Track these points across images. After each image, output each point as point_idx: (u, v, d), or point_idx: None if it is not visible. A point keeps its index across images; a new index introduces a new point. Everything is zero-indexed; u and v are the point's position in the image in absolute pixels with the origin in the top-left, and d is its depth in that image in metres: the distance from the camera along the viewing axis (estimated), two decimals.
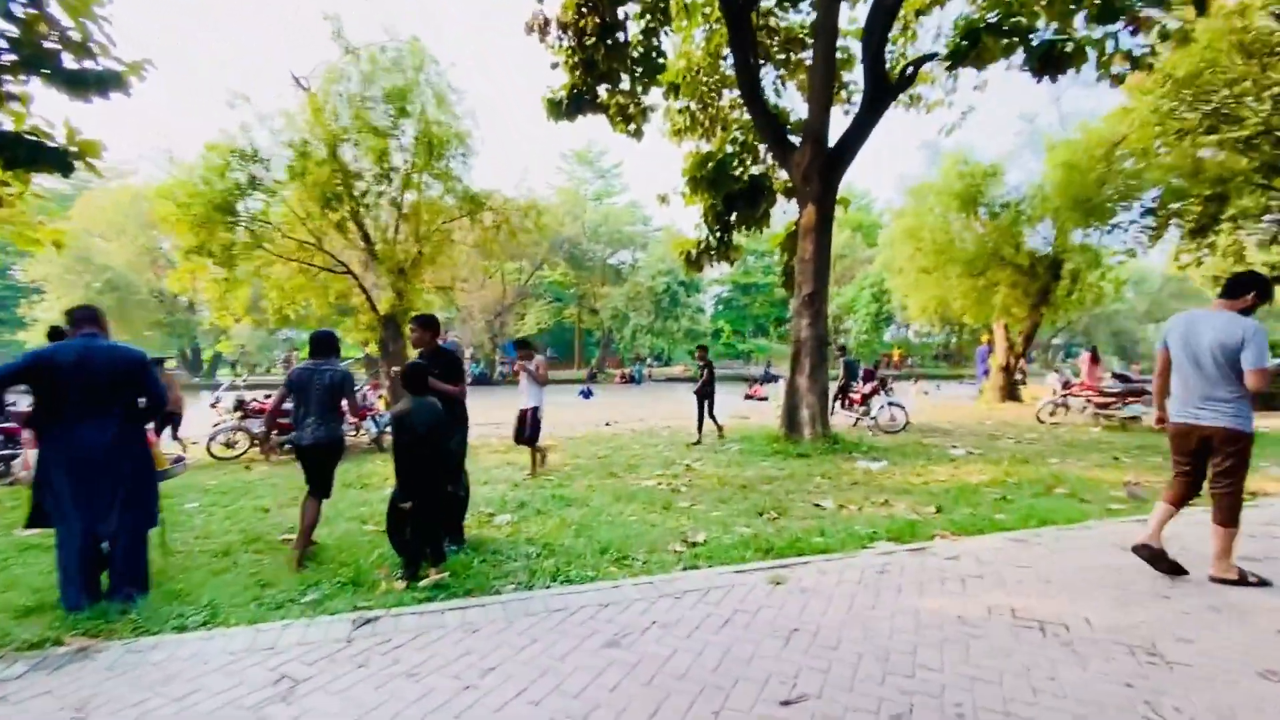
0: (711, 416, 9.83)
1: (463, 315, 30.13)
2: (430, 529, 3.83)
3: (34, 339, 22.73)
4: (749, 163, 10.49)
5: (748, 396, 22.10)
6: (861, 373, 12.26)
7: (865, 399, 11.54)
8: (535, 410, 7.14)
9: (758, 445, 9.01)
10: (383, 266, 11.21)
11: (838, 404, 12.58)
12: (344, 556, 4.18)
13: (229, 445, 8.92)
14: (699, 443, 9.48)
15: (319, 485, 4.18)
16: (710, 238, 11.19)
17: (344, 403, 4.24)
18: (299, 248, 10.40)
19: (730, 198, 10.64)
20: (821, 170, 9.11)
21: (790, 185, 10.95)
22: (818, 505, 5.57)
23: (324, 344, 4.32)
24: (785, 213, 12.07)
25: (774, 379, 34.37)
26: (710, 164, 10.10)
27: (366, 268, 11.63)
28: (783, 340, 55.89)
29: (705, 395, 9.77)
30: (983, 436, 10.18)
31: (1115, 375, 13.00)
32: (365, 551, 4.24)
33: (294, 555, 4.08)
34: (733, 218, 10.97)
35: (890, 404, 10.98)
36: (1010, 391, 15.25)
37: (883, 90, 8.79)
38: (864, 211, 48.96)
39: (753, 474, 7.08)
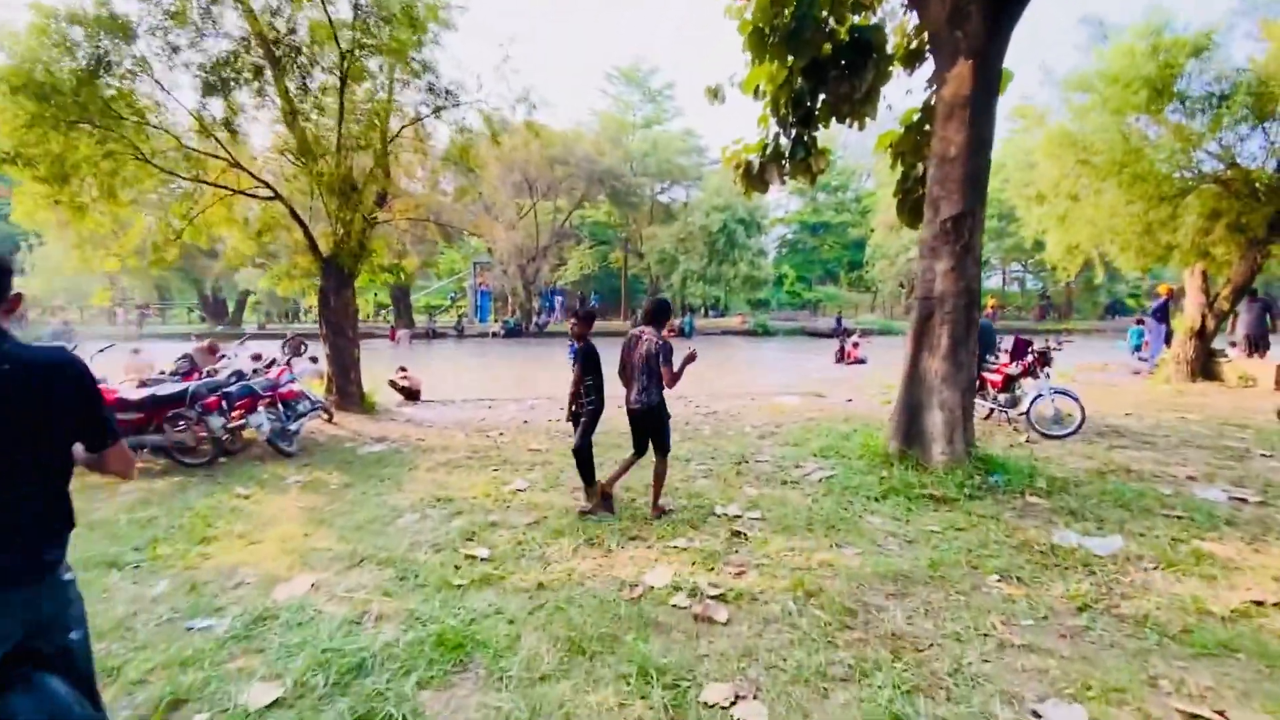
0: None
1: (498, 259, 27.25)
2: None
3: None
4: (847, 6, 6.56)
5: (841, 359, 18.04)
6: (1009, 342, 8.35)
7: (1009, 381, 7.75)
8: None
9: (855, 471, 5.57)
10: (322, 183, 8.10)
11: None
12: None
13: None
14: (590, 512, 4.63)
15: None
16: (781, 136, 7.41)
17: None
18: (189, 159, 7.38)
19: (815, 68, 6.79)
20: (985, 3, 5.19)
21: (914, 45, 6.94)
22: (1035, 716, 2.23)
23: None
24: (901, 95, 7.88)
25: (847, 333, 30.04)
26: (787, 9, 6.26)
27: (313, 196, 8.54)
28: (854, 287, 50.47)
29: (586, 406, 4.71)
30: (1218, 450, 6.31)
31: None
32: None
33: None
34: (818, 102, 7.12)
35: (1055, 391, 7.18)
36: (1202, 366, 10.88)
37: None
38: None
39: (854, 561, 3.71)
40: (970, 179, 5.42)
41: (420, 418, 8.69)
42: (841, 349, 18.14)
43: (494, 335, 27.44)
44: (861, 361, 17.66)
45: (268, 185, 8.09)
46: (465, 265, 38.61)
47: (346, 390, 8.35)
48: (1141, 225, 11.89)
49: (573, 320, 4.82)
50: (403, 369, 10.39)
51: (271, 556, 3.92)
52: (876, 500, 4.84)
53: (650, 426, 4.38)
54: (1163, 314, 13.94)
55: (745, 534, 4.19)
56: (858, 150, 54.96)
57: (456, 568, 3.70)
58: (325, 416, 7.81)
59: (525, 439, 7.25)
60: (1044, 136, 12.88)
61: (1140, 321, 17.01)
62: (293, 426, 6.77)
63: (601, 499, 4.55)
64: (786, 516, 4.51)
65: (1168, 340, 12.87)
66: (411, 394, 10.16)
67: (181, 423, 5.98)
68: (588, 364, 4.54)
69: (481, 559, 3.83)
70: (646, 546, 3.99)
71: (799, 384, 15.58)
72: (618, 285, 36.99)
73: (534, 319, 28.96)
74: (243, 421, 6.21)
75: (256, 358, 8.47)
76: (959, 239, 5.40)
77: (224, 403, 6.12)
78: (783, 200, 46.82)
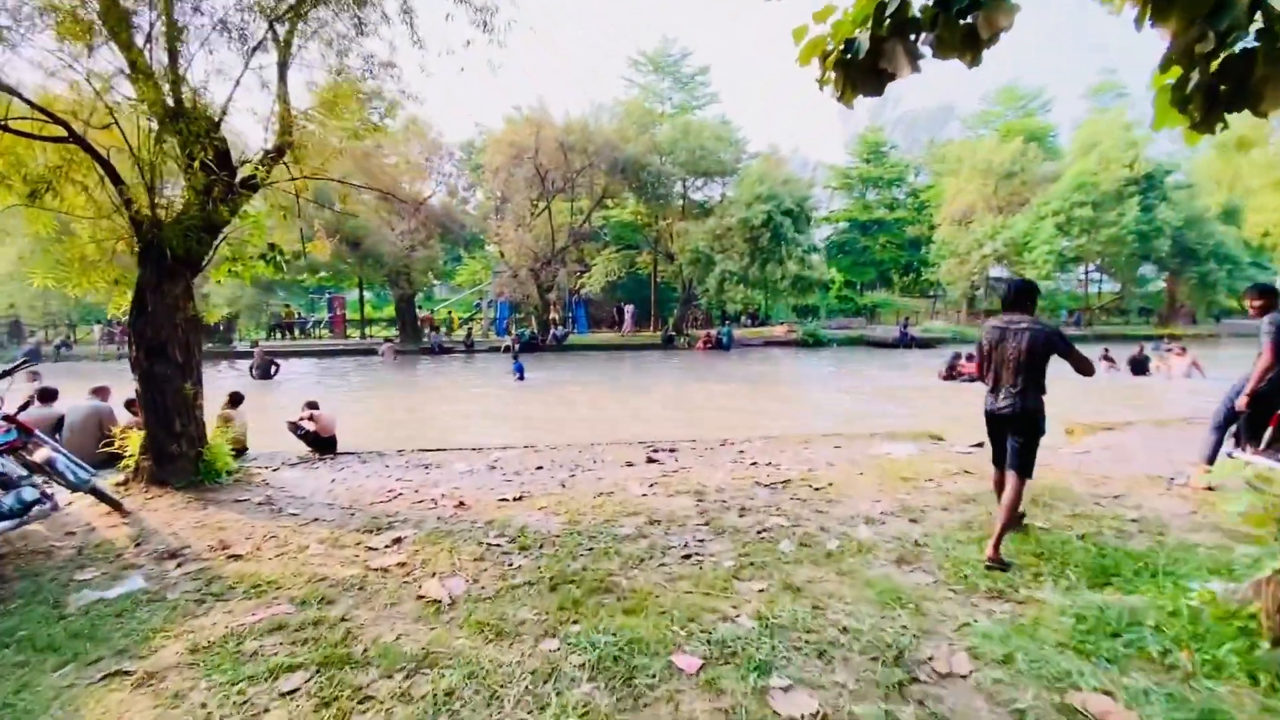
0: None
1: (507, 262, 24.16)
2: None
3: None
4: None
5: (951, 375, 14.12)
6: None
7: None
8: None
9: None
10: (149, 113, 4.92)
11: (1224, 436, 5.01)
12: None
13: None
14: None
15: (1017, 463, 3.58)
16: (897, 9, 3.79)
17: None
18: None
19: None
20: None
21: None
22: None
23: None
24: None
25: (911, 341, 25.80)
26: None
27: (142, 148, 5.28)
28: (908, 292, 45.69)
29: None
30: None
31: None
32: None
33: None
34: None
35: None
36: None
37: None
38: (1031, 116, 37.37)
39: None
40: None
41: (297, 490, 5.30)
42: (952, 366, 14.15)
43: (506, 350, 24.30)
44: (973, 379, 13.72)
45: (49, 115, 4.88)
46: (487, 276, 35.92)
47: (167, 451, 5.01)
48: None
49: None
50: (310, 405, 7.04)
51: None
52: None
53: (1020, 434, 3.64)
54: None
55: None
56: (907, 143, 50.56)
57: None
58: (111, 507, 4.47)
59: (441, 555, 3.77)
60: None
61: None
62: None
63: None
64: None
65: None
66: (321, 441, 6.81)
67: None
68: None
69: None
70: None
71: (883, 412, 11.75)
72: (647, 293, 33.52)
73: (551, 331, 25.68)
74: None
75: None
76: None
77: None
78: (824, 198, 42.75)
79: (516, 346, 24.68)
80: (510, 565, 3.59)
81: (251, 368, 16.42)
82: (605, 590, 3.22)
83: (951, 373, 14.01)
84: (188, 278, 5.26)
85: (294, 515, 4.64)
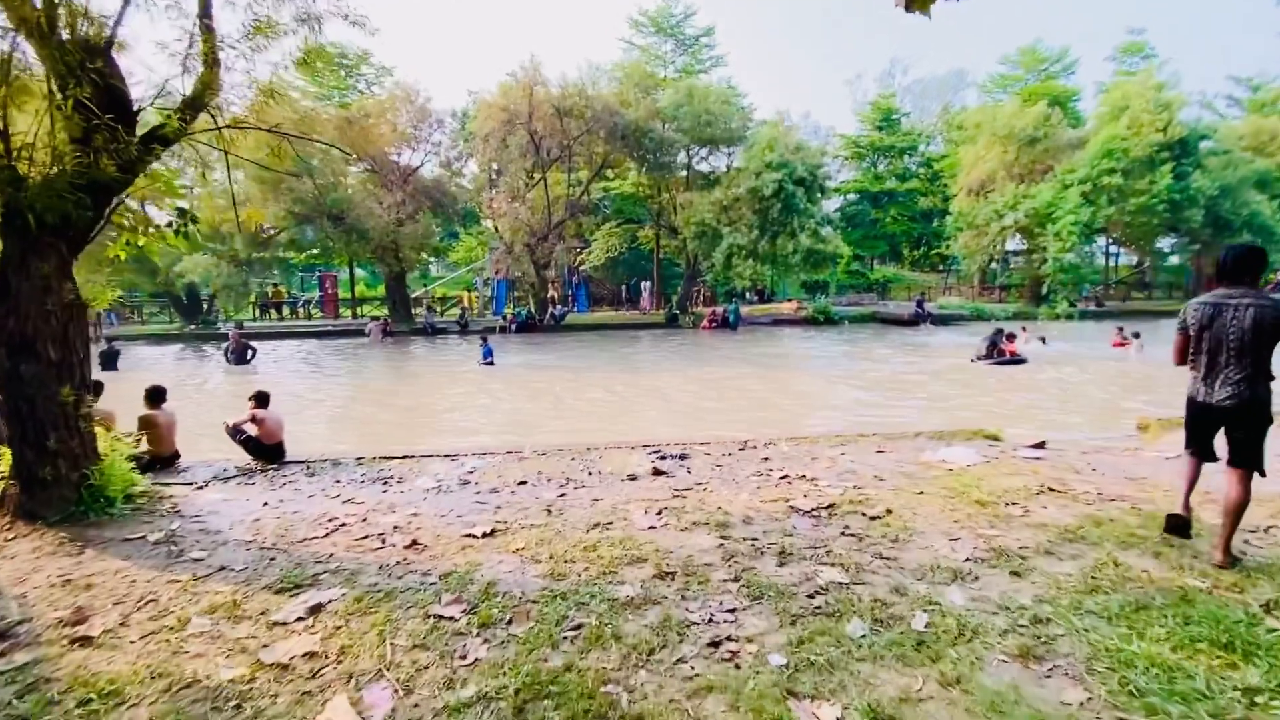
0: None
1: (500, 237, 22.86)
2: None
3: None
4: None
5: (990, 356, 12.96)
6: None
7: None
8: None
9: None
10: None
11: None
12: None
13: None
14: None
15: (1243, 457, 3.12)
16: None
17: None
18: None
19: None
20: None
21: None
22: None
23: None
24: None
25: (927, 318, 24.52)
26: None
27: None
28: (919, 268, 44.14)
29: None
30: None
31: None
32: None
33: None
34: None
35: None
36: None
37: None
38: (1052, 80, 35.48)
39: None
40: None
41: (214, 521, 4.21)
42: (993, 344, 12.94)
43: (501, 330, 23.15)
44: (1020, 361, 12.60)
45: None
46: (485, 253, 34.60)
47: (38, 476, 3.91)
48: None
49: None
50: (258, 400, 5.87)
51: None
52: None
53: (1244, 428, 3.16)
54: None
55: None
56: (918, 112, 48.49)
57: None
58: None
59: (369, 637, 2.69)
60: None
61: None
62: None
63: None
64: None
65: None
66: (264, 449, 5.70)
67: None
68: None
69: None
70: None
71: (915, 402, 10.52)
72: (649, 268, 32.17)
73: (549, 310, 24.47)
74: None
75: None
76: None
77: None
78: (833, 168, 41.02)
79: (512, 327, 23.54)
80: (463, 659, 2.51)
81: (226, 351, 15.28)
82: (598, 716, 2.13)
83: (991, 352, 12.79)
84: (63, 251, 4.10)
85: (195, 561, 3.56)
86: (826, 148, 34.01)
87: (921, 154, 41.09)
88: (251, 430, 5.71)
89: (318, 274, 33.17)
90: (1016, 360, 12.65)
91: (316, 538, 3.91)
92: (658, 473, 5.15)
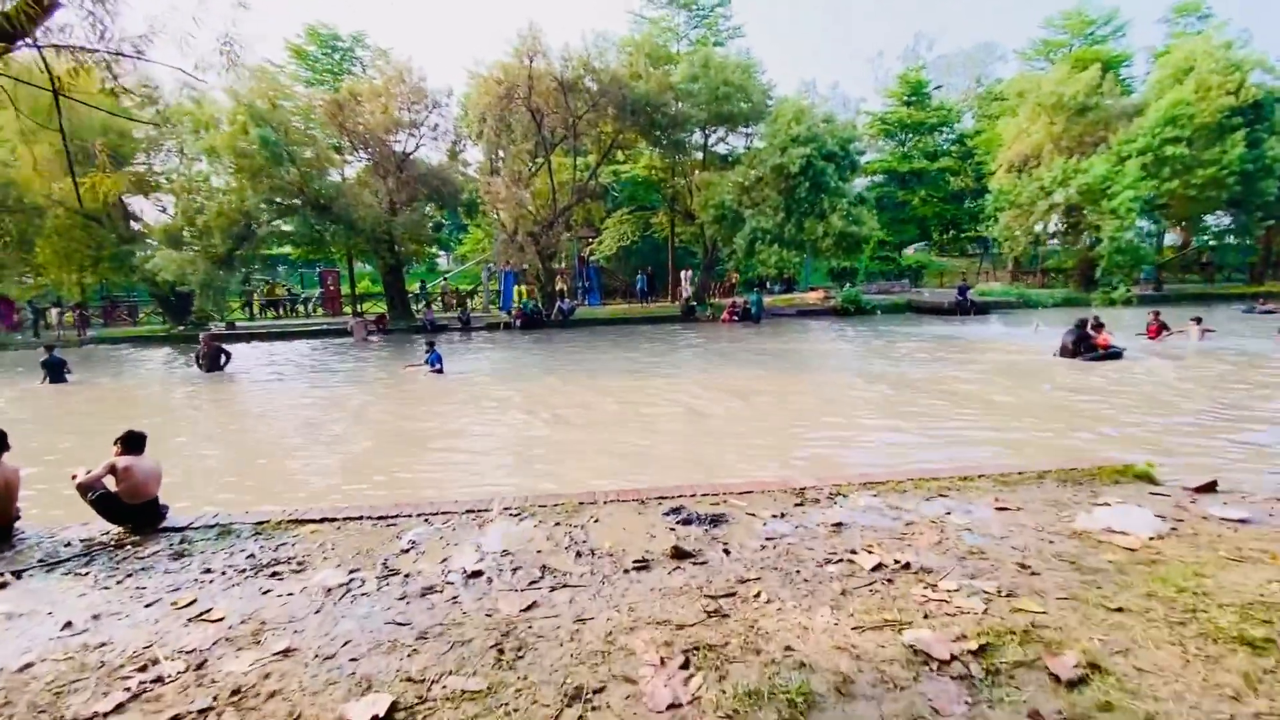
0: None
1: (502, 224, 21.19)
2: None
3: None
4: None
5: (1077, 352, 11.04)
6: None
7: None
8: None
9: None
10: None
11: None
12: None
13: None
14: None
15: None
16: None
17: None
18: None
19: None
20: None
21: None
22: None
23: None
24: None
25: (970, 306, 22.43)
26: None
27: None
28: (947, 251, 41.64)
29: None
30: None
31: None
32: None
33: None
34: None
35: None
36: None
37: None
38: (1100, 44, 32.73)
39: None
40: None
41: None
42: (1082, 336, 10.97)
43: (506, 326, 21.54)
44: (1115, 355, 10.63)
45: None
46: (491, 244, 33.00)
47: None
48: None
49: None
50: (126, 444, 4.25)
51: None
52: None
53: None
54: None
55: None
56: (947, 87, 45.69)
57: None
58: None
59: None
60: None
61: None
62: None
63: None
64: None
65: None
66: (127, 511, 4.09)
67: None
68: None
69: None
70: None
71: (992, 419, 8.38)
72: (663, 257, 30.30)
73: (557, 303, 22.78)
74: None
75: None
76: None
77: None
78: (859, 147, 38.67)
79: (517, 323, 21.93)
80: None
81: (197, 356, 13.83)
82: None
83: (1080, 347, 10.78)
84: None
85: None
86: (856, 122, 31.74)
87: (953, 130, 38.52)
88: (110, 485, 4.09)
89: (318, 270, 31.88)
90: (1112, 354, 10.66)
91: (100, 715, 2.27)
92: (679, 554, 3.44)
